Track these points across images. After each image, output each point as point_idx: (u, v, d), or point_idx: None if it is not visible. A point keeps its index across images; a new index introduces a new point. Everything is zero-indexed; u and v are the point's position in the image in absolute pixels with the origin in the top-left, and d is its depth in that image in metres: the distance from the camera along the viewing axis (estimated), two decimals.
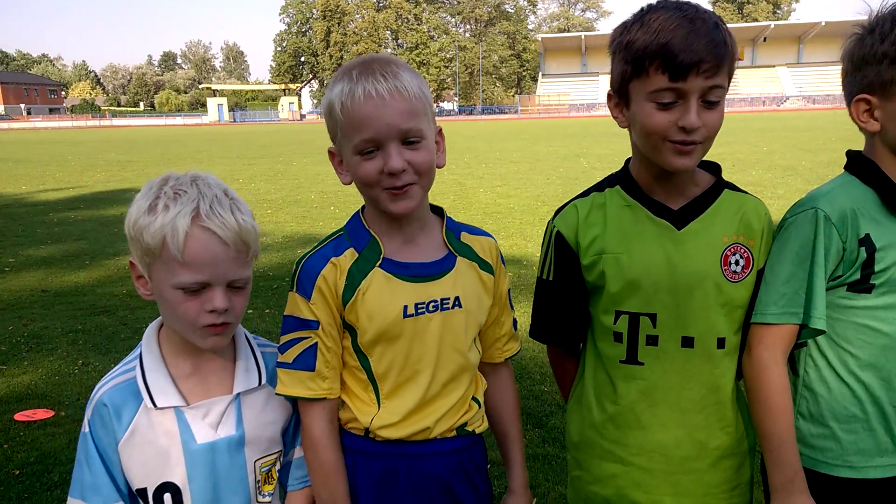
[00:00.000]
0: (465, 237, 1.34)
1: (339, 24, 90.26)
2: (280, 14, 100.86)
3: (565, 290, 1.37)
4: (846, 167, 1.34)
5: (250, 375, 1.24)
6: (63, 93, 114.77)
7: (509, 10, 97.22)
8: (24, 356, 4.42)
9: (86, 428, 1.18)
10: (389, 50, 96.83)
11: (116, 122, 76.98)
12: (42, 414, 3.58)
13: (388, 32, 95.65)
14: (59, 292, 5.96)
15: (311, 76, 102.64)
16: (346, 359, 1.28)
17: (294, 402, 1.29)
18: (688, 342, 1.29)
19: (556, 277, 1.38)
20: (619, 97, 1.29)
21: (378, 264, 1.24)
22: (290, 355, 1.24)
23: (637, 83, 1.22)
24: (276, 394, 1.25)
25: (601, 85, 75.35)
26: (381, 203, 1.21)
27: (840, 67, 1.35)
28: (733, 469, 1.35)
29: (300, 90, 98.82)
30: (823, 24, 68.09)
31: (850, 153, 1.35)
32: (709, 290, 1.27)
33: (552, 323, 1.43)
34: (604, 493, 1.38)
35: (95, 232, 8.91)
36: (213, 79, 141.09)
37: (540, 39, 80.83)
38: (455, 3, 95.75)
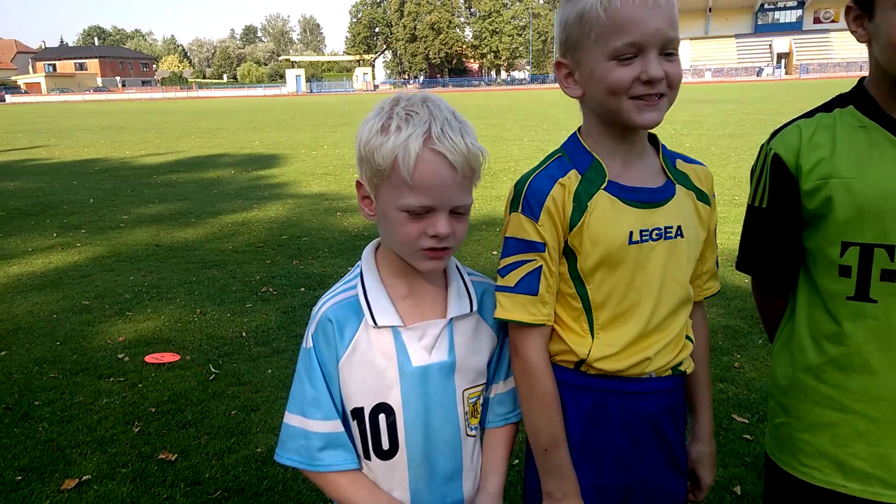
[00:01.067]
0: (681, 165, 1.27)
1: None
2: None
3: (780, 217, 1.26)
4: None
5: (462, 301, 1.21)
6: (154, 66, 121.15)
7: None
8: (147, 304, 4.67)
9: (308, 343, 1.17)
10: (462, 19, 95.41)
11: (203, 93, 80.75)
12: (169, 357, 3.77)
13: (462, 1, 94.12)
14: (171, 247, 6.29)
15: (384, 46, 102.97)
16: (560, 286, 1.21)
17: (506, 329, 1.24)
18: None
19: (771, 204, 1.26)
20: (862, 8, 1.15)
21: (603, 187, 1.17)
22: (513, 279, 1.17)
23: None
24: (495, 318, 1.20)
25: (683, 50, 71.40)
26: (623, 114, 1.12)
27: None
28: None
29: (374, 60, 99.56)
30: None
31: None
32: None
33: (763, 254, 1.31)
34: (816, 443, 1.25)
35: (197, 193, 9.33)
36: (291, 51, 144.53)
37: None
38: None
